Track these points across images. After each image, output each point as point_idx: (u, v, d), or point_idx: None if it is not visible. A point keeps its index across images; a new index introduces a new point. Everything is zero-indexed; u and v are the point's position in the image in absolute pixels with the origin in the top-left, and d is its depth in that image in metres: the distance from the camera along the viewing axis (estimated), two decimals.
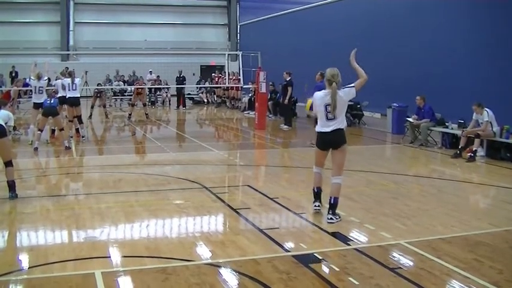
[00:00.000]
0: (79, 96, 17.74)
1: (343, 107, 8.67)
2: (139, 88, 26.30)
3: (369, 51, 24.60)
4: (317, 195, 9.17)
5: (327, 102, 8.55)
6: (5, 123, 10.14)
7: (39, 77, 17.06)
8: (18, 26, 39.07)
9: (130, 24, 41.43)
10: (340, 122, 8.65)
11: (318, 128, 8.81)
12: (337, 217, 8.63)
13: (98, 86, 27.81)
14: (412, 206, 9.74)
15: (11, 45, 35.83)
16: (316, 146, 9.03)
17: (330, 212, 8.62)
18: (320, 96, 8.71)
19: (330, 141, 8.72)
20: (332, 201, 8.63)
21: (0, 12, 38.77)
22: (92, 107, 26.05)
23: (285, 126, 21.70)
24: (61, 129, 16.23)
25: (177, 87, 31.92)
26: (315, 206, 9.14)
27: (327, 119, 8.62)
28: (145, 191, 10.89)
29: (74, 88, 17.41)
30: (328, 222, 8.51)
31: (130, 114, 25.43)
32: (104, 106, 27.31)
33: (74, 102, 17.52)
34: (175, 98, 32.46)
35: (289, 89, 21.81)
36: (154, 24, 42.28)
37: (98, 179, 12.33)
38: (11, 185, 10.12)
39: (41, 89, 16.94)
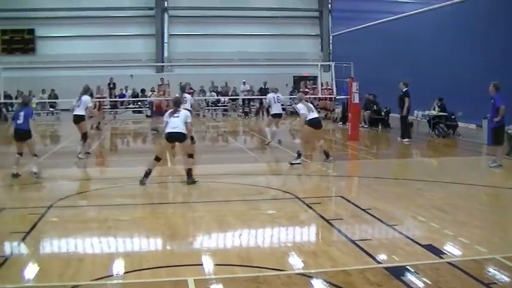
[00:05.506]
0: (78, 114, 16.69)
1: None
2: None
3: (463, 59, 24.12)
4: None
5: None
6: (185, 122, 12.54)
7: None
8: (115, 39, 40.61)
9: (222, 36, 42.04)
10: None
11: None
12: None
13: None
14: (508, 220, 9.42)
15: (108, 58, 37.08)
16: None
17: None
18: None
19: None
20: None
21: (98, 26, 40.44)
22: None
23: (405, 140, 20.24)
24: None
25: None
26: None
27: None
28: (238, 201, 10.99)
29: (78, 105, 16.79)
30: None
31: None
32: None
33: (75, 120, 16.83)
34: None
35: (407, 99, 20.06)
36: (246, 36, 42.69)
37: (192, 188, 12.53)
38: (187, 173, 12.53)
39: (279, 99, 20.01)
